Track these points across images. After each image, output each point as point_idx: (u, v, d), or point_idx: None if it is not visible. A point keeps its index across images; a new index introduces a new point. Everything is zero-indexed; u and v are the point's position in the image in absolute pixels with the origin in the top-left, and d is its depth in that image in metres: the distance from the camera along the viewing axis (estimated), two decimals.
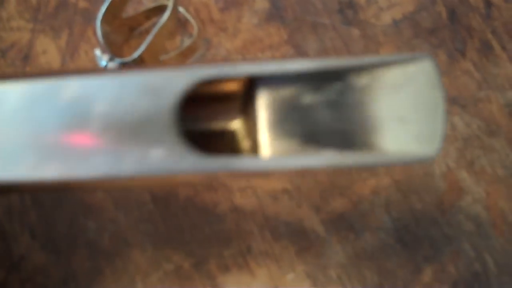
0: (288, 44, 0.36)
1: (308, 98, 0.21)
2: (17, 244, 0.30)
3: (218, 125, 0.25)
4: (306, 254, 0.32)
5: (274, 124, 0.22)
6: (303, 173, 0.30)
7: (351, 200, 0.33)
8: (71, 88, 0.19)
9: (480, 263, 0.32)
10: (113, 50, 0.33)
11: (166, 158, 0.18)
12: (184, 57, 0.34)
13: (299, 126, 0.21)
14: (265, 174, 0.21)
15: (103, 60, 0.33)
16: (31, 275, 0.30)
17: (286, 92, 0.21)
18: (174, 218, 0.31)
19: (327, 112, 0.21)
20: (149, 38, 0.31)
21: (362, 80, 0.20)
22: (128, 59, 0.32)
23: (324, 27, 0.36)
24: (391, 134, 0.20)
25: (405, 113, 0.20)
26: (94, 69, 0.20)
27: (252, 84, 0.22)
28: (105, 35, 0.32)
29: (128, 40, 0.35)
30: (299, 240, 0.32)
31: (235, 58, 0.34)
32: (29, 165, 0.18)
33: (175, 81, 0.19)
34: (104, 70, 0.20)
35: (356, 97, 0.20)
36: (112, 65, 0.33)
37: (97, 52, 0.33)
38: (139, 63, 0.33)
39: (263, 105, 0.22)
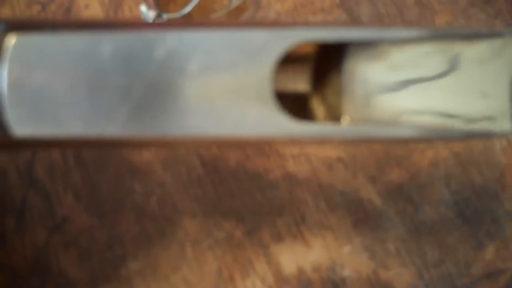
0: (340, 8, 0.34)
1: (387, 68, 0.20)
2: (60, 205, 0.28)
3: (287, 87, 0.23)
4: (363, 226, 0.30)
5: (355, 91, 0.20)
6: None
7: (409, 171, 0.31)
8: (167, 42, 0.17)
9: None
10: (160, 6, 0.31)
11: (261, 122, 0.17)
12: (232, 17, 0.32)
13: (382, 96, 0.20)
14: (352, 143, 0.20)
15: (150, 16, 0.31)
16: (74, 238, 0.28)
17: (374, 60, 0.20)
18: (224, 184, 0.29)
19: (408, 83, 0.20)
20: None
21: (447, 53, 0.19)
22: (176, 15, 0.31)
23: None
24: (472, 108, 0.19)
25: (487, 88, 0.19)
26: (190, 23, 0.19)
27: (332, 47, 0.21)
28: None
29: None
30: (355, 211, 0.30)
31: (323, 21, 0.33)
32: (121, 121, 0.17)
33: (275, 41, 0.17)
34: (199, 24, 0.18)
35: (437, 70, 0.19)
36: (159, 21, 0.31)
37: (143, 8, 0.31)
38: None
39: (347, 70, 0.21)
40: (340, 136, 0.18)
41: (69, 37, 0.17)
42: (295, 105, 0.21)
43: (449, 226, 0.30)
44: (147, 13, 0.31)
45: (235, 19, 0.32)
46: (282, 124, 0.17)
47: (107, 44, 0.17)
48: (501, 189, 0.31)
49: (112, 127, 0.17)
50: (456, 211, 0.31)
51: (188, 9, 0.30)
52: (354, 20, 0.34)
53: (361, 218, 0.30)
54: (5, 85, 0.16)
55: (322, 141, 0.20)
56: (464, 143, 0.32)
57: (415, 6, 0.35)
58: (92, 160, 0.29)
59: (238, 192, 0.29)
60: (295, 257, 0.29)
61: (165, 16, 0.31)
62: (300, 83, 0.23)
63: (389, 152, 0.31)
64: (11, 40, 0.16)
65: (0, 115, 0.16)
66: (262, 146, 0.28)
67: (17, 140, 0.17)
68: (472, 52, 0.19)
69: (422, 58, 0.19)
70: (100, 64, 0.17)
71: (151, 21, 0.31)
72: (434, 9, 0.34)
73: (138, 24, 0.18)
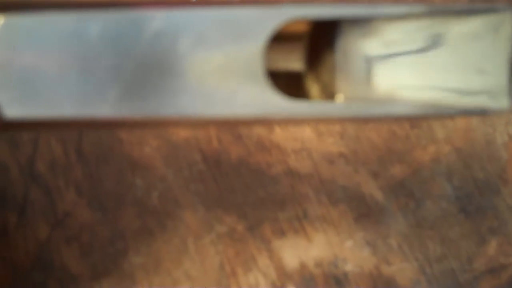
0: None
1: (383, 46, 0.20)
2: (62, 200, 0.28)
3: (280, 66, 0.23)
4: (365, 221, 0.30)
5: (348, 69, 0.20)
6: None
7: (411, 166, 0.31)
8: (156, 21, 0.17)
9: None
10: None
11: (254, 101, 0.17)
12: None
13: (376, 73, 0.20)
14: (347, 120, 0.20)
15: None
16: (76, 233, 0.28)
17: (367, 36, 0.20)
18: (226, 179, 0.29)
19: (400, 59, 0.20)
20: None
21: (441, 28, 0.19)
22: None
23: None
24: (467, 84, 0.19)
25: (482, 63, 0.19)
26: (178, 1, 0.19)
27: (325, 25, 0.21)
28: None
29: None
30: (357, 206, 0.30)
31: None
32: (112, 102, 0.17)
33: (265, 19, 0.17)
34: (187, 2, 0.18)
35: (431, 45, 0.19)
36: None
37: None
38: None
39: (340, 47, 0.21)
40: (335, 114, 0.18)
41: (56, 17, 0.17)
42: (289, 84, 0.21)
43: (451, 222, 0.30)
44: None
45: None
46: (275, 103, 0.17)
47: (95, 23, 0.17)
48: (503, 184, 0.31)
49: (103, 108, 0.17)
50: (458, 206, 0.30)
51: None
52: None
53: (363, 213, 0.30)
54: None
55: (316, 120, 0.20)
56: (466, 138, 0.32)
57: None
58: (93, 155, 0.29)
59: (240, 187, 0.29)
60: (297, 252, 0.29)
61: None
62: (293, 61, 0.23)
63: (390, 148, 0.31)
64: None
65: None
66: (255, 126, 0.28)
67: (8, 122, 0.17)
68: (467, 27, 0.18)
69: (416, 33, 0.19)
70: (89, 44, 0.17)
71: None
72: None
73: (126, 2, 0.18)
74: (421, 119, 0.30)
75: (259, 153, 0.30)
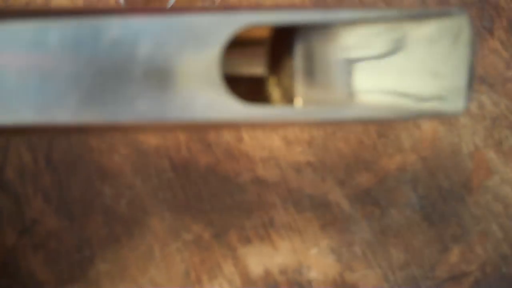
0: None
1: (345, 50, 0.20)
2: (29, 208, 0.28)
3: (243, 70, 0.24)
4: (331, 229, 0.30)
5: (308, 74, 0.21)
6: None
7: (377, 175, 0.32)
8: (114, 28, 0.17)
9: (509, 245, 0.31)
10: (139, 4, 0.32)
11: (210, 106, 0.18)
12: None
13: (334, 77, 0.20)
14: (305, 124, 0.20)
15: None
16: (43, 240, 0.28)
17: (325, 42, 0.20)
18: (194, 187, 0.30)
19: (364, 64, 0.20)
20: None
21: (397, 33, 0.19)
22: None
23: None
24: (423, 88, 0.19)
25: (438, 67, 0.19)
26: (138, 8, 0.19)
27: (286, 30, 0.21)
28: None
29: None
30: (323, 214, 0.30)
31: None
32: (71, 108, 0.17)
33: (222, 25, 0.18)
34: (149, 9, 0.19)
35: (388, 50, 0.20)
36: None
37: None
38: None
39: (300, 53, 0.21)
40: (293, 118, 0.18)
41: (16, 25, 0.17)
42: (251, 89, 0.22)
43: (415, 230, 0.31)
44: None
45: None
46: (232, 108, 0.18)
47: (54, 32, 0.17)
48: (467, 193, 0.32)
49: (62, 114, 0.17)
50: (422, 214, 0.31)
51: (170, 3, 0.31)
52: None
53: (328, 221, 0.30)
54: None
55: (275, 124, 0.20)
56: (432, 148, 0.32)
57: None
58: (62, 162, 0.29)
59: (208, 195, 0.30)
60: (263, 259, 0.29)
61: None
62: (256, 66, 0.23)
63: (357, 156, 0.32)
64: None
65: None
66: (214, 130, 0.29)
67: None
68: (422, 31, 0.19)
69: (372, 38, 0.19)
70: (48, 52, 0.17)
71: None
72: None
73: (84, 11, 0.18)
74: (379, 123, 0.30)
75: (227, 161, 0.30)
